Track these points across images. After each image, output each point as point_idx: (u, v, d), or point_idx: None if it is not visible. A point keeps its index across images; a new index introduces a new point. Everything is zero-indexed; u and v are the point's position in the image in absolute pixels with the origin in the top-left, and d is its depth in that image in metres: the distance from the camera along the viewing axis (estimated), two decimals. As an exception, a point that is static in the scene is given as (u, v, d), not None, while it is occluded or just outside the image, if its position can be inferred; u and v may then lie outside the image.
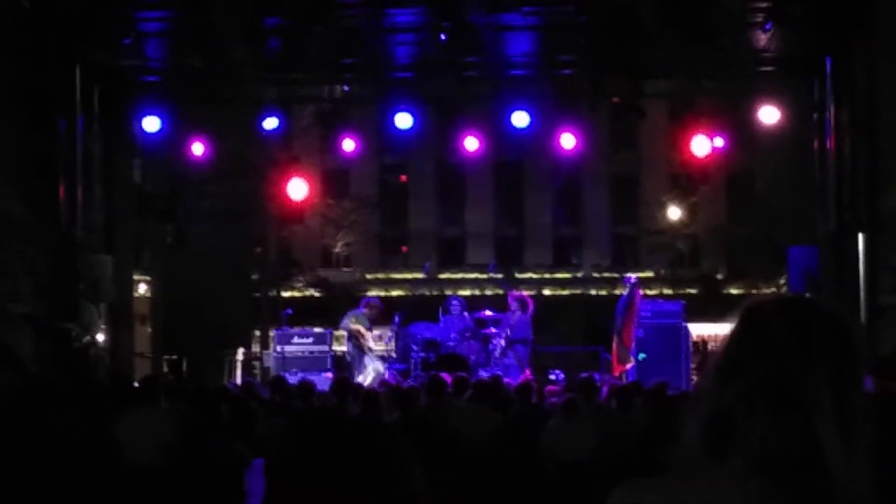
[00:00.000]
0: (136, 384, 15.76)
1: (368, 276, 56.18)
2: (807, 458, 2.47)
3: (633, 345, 23.93)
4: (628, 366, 23.54)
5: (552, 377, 23.56)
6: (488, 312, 25.69)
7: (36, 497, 11.35)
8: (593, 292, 52.80)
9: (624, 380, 21.61)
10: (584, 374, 18.20)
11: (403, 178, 60.81)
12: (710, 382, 2.61)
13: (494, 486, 12.89)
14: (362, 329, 24.77)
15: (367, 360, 24.42)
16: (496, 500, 12.76)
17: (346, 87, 25.79)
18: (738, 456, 2.50)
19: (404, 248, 60.49)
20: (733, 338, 2.64)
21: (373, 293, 49.58)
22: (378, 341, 25.55)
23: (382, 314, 25.90)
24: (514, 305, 24.90)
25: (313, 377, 19.88)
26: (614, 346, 24.08)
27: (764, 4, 21.64)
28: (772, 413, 2.50)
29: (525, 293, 26.57)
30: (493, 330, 24.97)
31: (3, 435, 10.49)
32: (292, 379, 19.31)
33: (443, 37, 22.00)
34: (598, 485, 2.82)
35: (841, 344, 2.60)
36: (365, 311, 25.47)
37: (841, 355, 2.58)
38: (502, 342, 24.48)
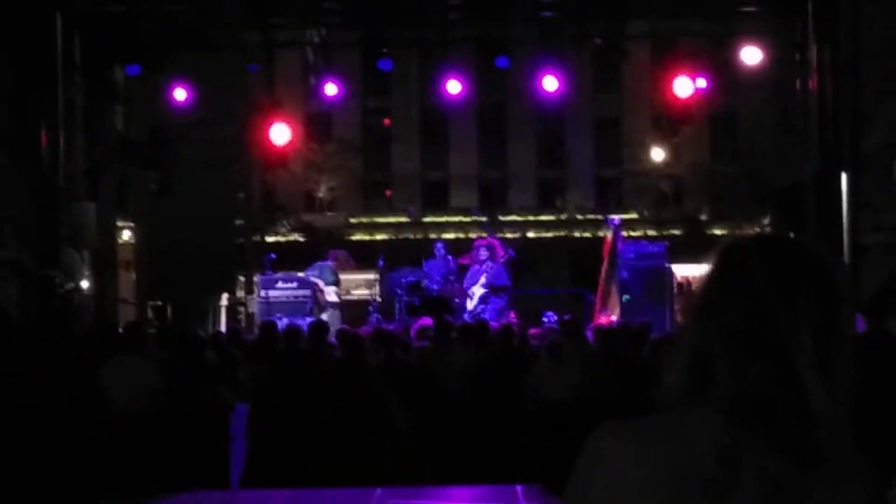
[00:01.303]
0: (120, 330, 15.78)
1: (352, 221, 56.00)
2: (786, 397, 2.44)
3: (613, 287, 23.97)
4: (613, 315, 23.41)
5: (545, 320, 23.44)
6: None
7: (23, 442, 11.39)
8: (577, 234, 52.81)
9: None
10: (567, 316, 18.18)
11: (387, 121, 60.58)
12: (690, 323, 2.59)
13: (476, 427, 12.95)
14: (320, 283, 24.81)
15: (326, 314, 24.32)
16: (478, 439, 12.82)
17: (328, 31, 25.68)
18: (718, 397, 2.50)
19: (388, 192, 60.35)
20: (711, 277, 2.61)
21: (357, 237, 49.62)
22: (344, 293, 25.55)
23: (350, 262, 25.91)
24: (482, 254, 24.73)
25: (298, 321, 19.87)
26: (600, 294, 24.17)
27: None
28: (750, 353, 2.47)
29: (494, 239, 26.30)
30: (466, 281, 24.85)
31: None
32: (279, 324, 19.31)
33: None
34: (582, 426, 2.82)
35: (821, 281, 2.56)
36: (332, 263, 25.49)
37: (821, 293, 2.54)
38: (481, 291, 24.39)
